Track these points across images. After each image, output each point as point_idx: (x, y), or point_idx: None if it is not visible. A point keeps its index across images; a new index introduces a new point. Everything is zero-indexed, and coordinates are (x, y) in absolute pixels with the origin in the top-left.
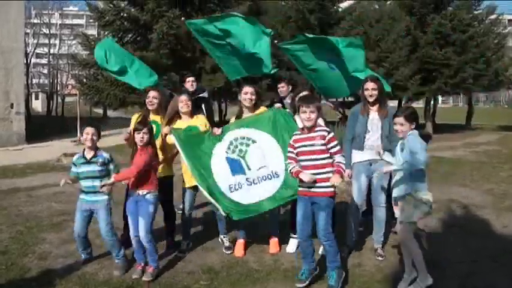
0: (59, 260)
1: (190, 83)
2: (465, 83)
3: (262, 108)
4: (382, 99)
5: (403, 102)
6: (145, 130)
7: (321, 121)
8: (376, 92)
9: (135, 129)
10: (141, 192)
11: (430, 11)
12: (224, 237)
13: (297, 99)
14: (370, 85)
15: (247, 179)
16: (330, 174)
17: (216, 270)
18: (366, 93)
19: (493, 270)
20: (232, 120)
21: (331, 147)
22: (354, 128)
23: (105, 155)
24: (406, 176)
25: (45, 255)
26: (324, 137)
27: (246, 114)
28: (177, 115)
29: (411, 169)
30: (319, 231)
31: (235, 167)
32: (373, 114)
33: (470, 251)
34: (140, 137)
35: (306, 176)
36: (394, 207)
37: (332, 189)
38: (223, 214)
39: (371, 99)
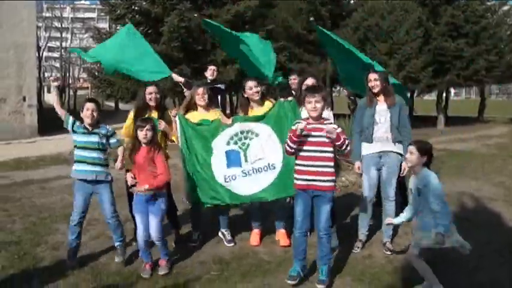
0: None
1: (211, 71)
2: (477, 75)
3: (269, 103)
4: (387, 89)
5: (415, 94)
6: (148, 127)
7: (328, 112)
8: (378, 83)
9: (137, 126)
10: (151, 190)
11: (443, 2)
12: (226, 231)
13: (303, 88)
14: (372, 76)
15: (242, 171)
16: (333, 169)
17: (227, 261)
18: (370, 84)
19: (499, 265)
20: (240, 114)
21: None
22: (361, 121)
23: (108, 127)
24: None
25: (57, 246)
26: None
27: (256, 108)
28: (193, 106)
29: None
30: (319, 225)
31: (233, 159)
32: (380, 105)
33: (478, 245)
34: (143, 134)
35: (301, 124)
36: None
37: (334, 183)
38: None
39: (375, 90)
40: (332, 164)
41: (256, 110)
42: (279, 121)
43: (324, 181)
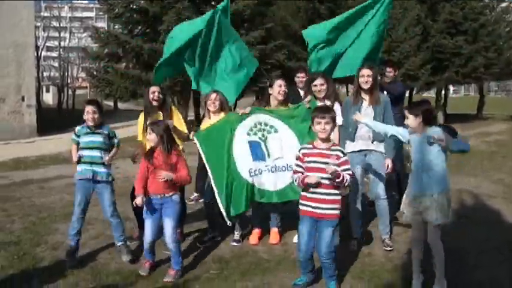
0: None
1: None
2: (476, 72)
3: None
4: (376, 88)
5: (414, 91)
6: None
7: (337, 106)
8: (371, 79)
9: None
10: (167, 194)
11: None
12: (236, 230)
13: (313, 87)
14: (366, 72)
15: (266, 165)
16: (338, 197)
17: (227, 259)
18: (361, 80)
19: (498, 263)
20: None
21: (344, 170)
22: (346, 117)
23: (109, 128)
24: (440, 171)
25: (57, 246)
26: (339, 158)
27: (278, 107)
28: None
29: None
30: (321, 250)
31: (257, 151)
32: (366, 103)
33: (477, 242)
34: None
35: (312, 178)
36: (403, 203)
37: (338, 211)
38: (228, 223)
39: (366, 87)
40: (336, 191)
41: (278, 108)
42: (299, 122)
43: (328, 209)
